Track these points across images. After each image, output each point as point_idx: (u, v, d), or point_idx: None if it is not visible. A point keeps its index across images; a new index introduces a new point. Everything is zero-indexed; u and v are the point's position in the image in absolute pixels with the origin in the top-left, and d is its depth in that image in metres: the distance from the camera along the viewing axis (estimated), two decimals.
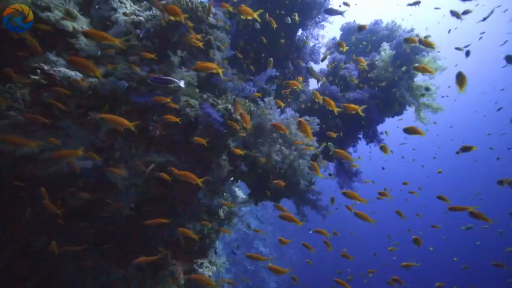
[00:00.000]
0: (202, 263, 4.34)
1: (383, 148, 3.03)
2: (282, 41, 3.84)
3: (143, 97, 2.43)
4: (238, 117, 2.42)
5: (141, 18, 2.59)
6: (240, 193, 5.33)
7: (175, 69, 2.48)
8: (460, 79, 2.07)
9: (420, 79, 4.09)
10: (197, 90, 2.89)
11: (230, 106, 2.43)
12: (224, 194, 3.78)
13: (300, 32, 4.00)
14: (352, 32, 5.07)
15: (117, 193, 2.54)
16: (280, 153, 2.59)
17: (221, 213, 4.33)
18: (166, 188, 2.98)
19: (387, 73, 3.94)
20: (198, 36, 2.64)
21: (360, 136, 4.28)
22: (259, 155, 2.64)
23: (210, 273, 4.31)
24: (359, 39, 4.96)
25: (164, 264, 3.69)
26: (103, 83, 2.59)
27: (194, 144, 2.80)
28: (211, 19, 2.90)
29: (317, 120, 2.94)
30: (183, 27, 2.62)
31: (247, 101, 2.60)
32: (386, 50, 3.99)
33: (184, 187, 3.03)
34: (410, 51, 3.74)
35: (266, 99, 2.58)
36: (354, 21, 5.19)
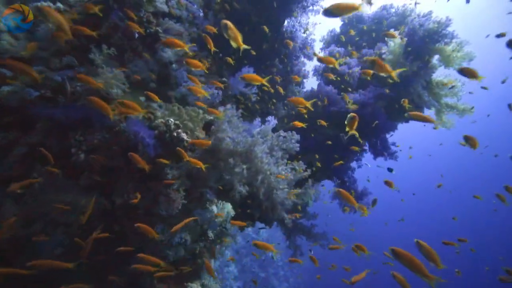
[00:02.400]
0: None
1: (388, 184, 2.26)
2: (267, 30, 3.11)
3: (51, 109, 1.78)
4: (184, 135, 1.72)
5: (59, 4, 1.95)
6: (229, 207, 4.70)
7: (98, 70, 1.82)
8: None
9: (440, 73, 3.24)
10: (143, 99, 2.22)
11: (171, 120, 1.73)
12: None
13: (286, 22, 3.26)
14: (355, 22, 4.27)
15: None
16: (245, 184, 1.88)
17: (210, 233, 3.73)
18: (111, 223, 2.34)
19: (397, 67, 3.13)
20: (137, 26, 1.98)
21: (366, 147, 3.48)
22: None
23: None
24: (363, 29, 4.15)
25: None
26: (13, 91, 1.97)
27: (136, 169, 2.14)
28: (159, 5, 2.23)
29: (296, 137, 2.14)
30: (114, 14, 1.96)
31: (200, 111, 1.90)
32: (395, 39, 3.18)
33: (134, 222, 2.38)
34: (428, 38, 2.92)
35: (221, 108, 1.86)
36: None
